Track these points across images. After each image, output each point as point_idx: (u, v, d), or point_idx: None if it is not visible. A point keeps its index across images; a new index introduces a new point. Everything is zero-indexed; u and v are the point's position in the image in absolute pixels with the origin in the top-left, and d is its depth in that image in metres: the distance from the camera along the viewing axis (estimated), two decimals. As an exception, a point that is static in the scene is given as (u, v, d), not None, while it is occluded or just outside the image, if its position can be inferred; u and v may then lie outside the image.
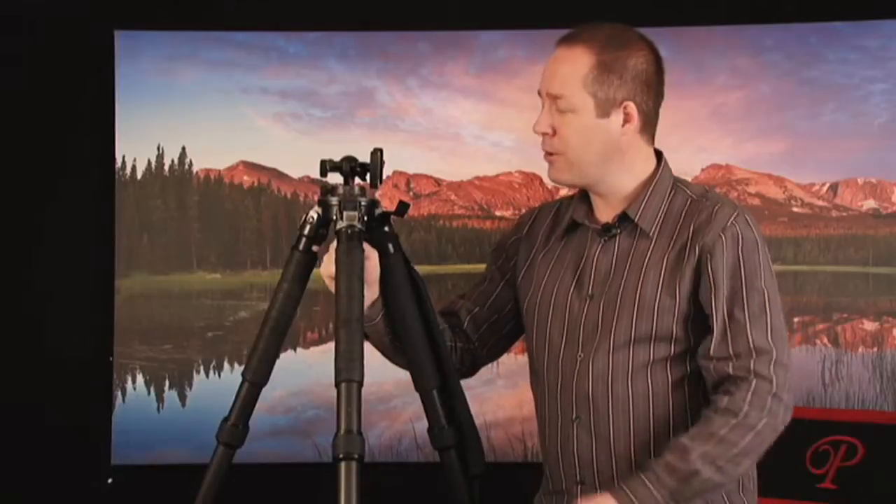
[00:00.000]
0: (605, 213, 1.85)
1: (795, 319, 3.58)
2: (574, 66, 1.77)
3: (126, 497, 3.45)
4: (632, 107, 1.78)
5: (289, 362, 3.51)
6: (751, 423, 1.68)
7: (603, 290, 1.80)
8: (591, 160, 1.79)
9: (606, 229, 1.83)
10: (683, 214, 1.80)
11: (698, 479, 1.66)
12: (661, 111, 1.86)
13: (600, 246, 1.83)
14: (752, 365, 1.71)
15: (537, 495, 1.92)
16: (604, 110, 1.77)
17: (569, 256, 1.86)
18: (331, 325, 3.54)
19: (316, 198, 1.78)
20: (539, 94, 1.82)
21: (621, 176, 1.82)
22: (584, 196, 1.89)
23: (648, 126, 1.82)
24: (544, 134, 1.80)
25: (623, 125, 1.78)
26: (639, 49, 1.80)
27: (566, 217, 1.91)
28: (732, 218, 1.77)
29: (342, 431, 1.48)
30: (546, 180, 3.65)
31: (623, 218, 1.82)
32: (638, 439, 1.76)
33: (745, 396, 1.69)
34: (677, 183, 1.84)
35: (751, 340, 1.72)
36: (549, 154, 1.82)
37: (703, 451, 1.67)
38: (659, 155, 1.86)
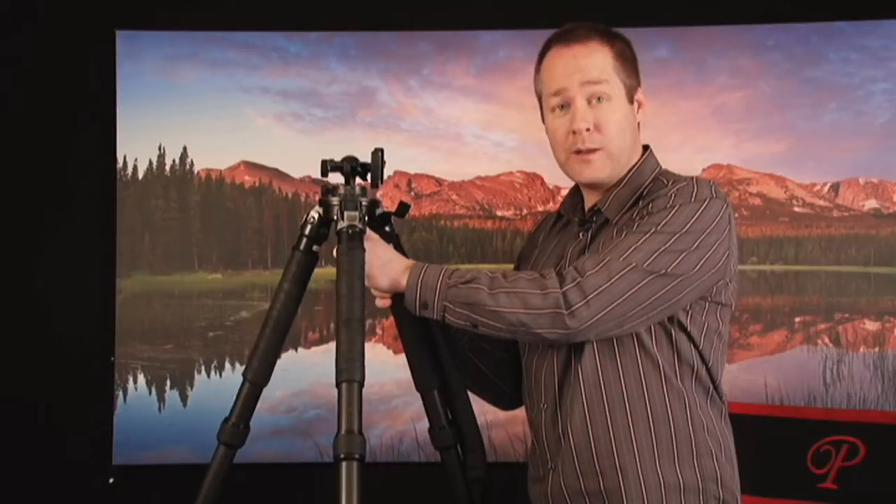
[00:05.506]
0: (591, 204, 1.86)
1: (797, 319, 3.58)
2: (600, 55, 1.78)
3: (127, 497, 3.45)
4: (641, 93, 1.82)
5: (290, 362, 3.52)
6: (543, 283, 1.66)
7: None
8: (625, 149, 1.80)
9: (583, 222, 1.85)
10: (647, 196, 1.77)
11: (473, 284, 1.68)
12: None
13: (577, 239, 1.84)
14: (581, 267, 1.68)
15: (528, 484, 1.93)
16: (630, 96, 1.79)
17: (557, 251, 1.88)
18: (332, 325, 3.54)
19: (317, 198, 1.78)
20: (559, 93, 1.78)
21: (626, 166, 1.82)
22: (575, 190, 1.90)
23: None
24: (587, 130, 1.76)
25: (638, 111, 1.81)
26: (627, 40, 1.83)
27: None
28: (683, 179, 1.75)
29: (343, 431, 1.48)
30: (547, 180, 3.66)
31: (597, 210, 1.82)
32: (595, 424, 1.74)
33: (552, 274, 1.68)
34: (661, 175, 1.82)
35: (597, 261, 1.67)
36: (589, 152, 1.78)
37: (493, 275, 1.69)
38: (645, 148, 1.86)
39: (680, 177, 1.79)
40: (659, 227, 1.67)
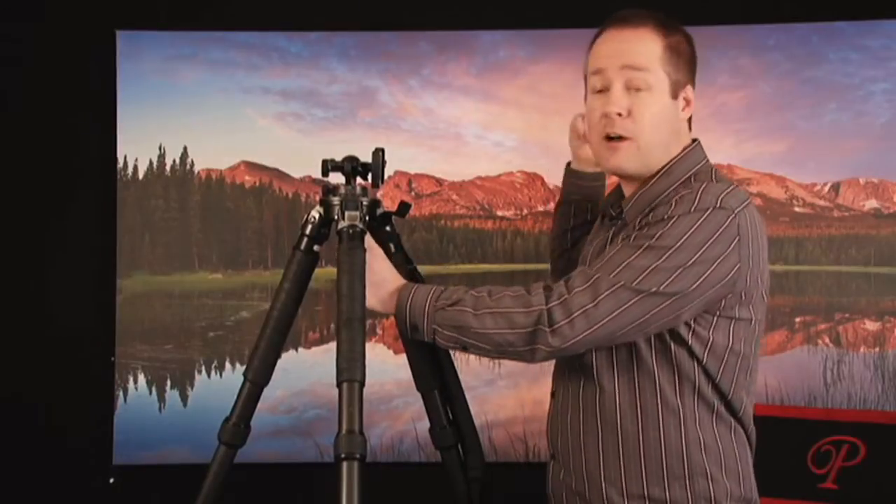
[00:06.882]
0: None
1: (797, 319, 3.58)
2: (649, 44, 1.70)
3: (127, 497, 3.45)
4: (690, 91, 1.74)
5: (290, 362, 3.52)
6: (528, 301, 1.62)
7: None
8: (658, 145, 1.71)
9: (610, 217, 1.80)
10: (666, 200, 1.69)
11: (458, 307, 1.64)
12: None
13: (601, 234, 1.81)
14: (569, 282, 1.63)
15: None
16: (674, 91, 1.71)
17: (592, 242, 1.84)
18: (332, 325, 3.54)
19: (317, 198, 1.78)
20: (599, 73, 1.72)
21: (659, 163, 1.73)
22: (619, 184, 1.83)
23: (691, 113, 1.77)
24: (618, 115, 1.70)
25: (683, 109, 1.74)
26: (686, 35, 1.77)
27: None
28: (700, 185, 1.66)
29: (344, 431, 1.48)
30: (547, 180, 3.66)
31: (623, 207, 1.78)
32: (588, 433, 1.73)
33: (539, 288, 1.64)
34: (694, 176, 1.72)
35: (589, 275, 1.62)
36: (617, 139, 1.71)
37: (478, 295, 1.65)
38: (693, 141, 1.78)
39: (710, 177, 1.71)
40: (653, 242, 1.60)
